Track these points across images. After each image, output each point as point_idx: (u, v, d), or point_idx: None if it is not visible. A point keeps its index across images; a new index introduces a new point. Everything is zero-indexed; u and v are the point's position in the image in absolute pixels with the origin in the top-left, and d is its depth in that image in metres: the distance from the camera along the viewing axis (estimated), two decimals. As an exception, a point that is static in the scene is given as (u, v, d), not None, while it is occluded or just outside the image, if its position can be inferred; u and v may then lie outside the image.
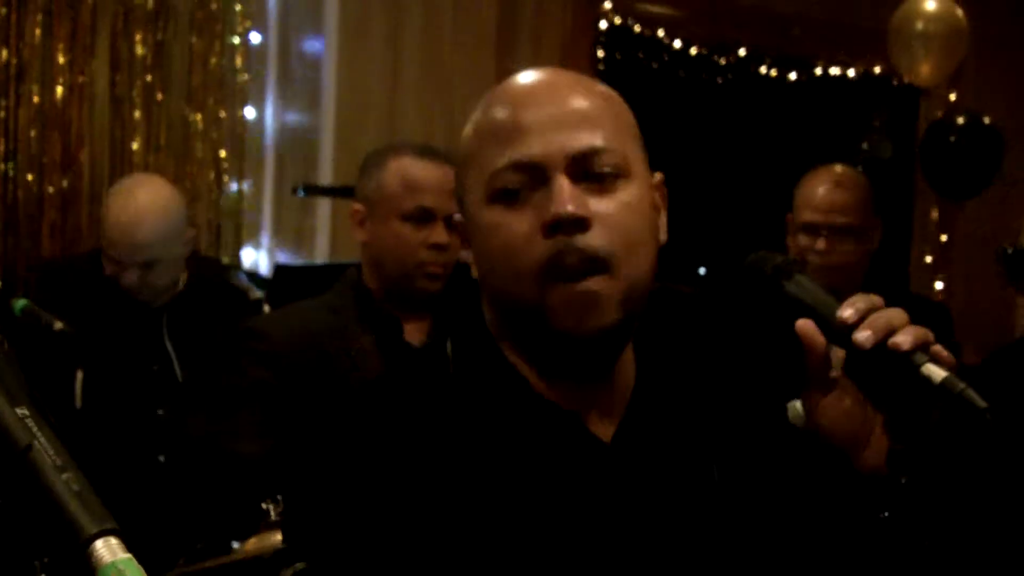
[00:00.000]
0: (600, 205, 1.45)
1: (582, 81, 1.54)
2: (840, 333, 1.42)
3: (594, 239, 1.43)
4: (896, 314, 1.42)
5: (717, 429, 1.58)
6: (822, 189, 3.65)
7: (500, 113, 1.49)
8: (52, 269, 4.12)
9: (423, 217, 2.97)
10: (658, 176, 1.57)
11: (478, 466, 1.44)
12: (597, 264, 1.43)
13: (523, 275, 1.44)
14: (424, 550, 1.39)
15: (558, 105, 1.49)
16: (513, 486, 1.44)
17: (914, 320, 1.41)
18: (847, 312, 1.42)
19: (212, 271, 4.07)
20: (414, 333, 3.01)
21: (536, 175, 1.45)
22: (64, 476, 0.88)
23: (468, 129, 1.54)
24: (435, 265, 2.99)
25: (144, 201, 3.62)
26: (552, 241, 1.43)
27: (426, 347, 1.55)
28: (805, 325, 1.45)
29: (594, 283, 1.43)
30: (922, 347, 1.39)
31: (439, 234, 2.98)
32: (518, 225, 1.45)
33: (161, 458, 3.59)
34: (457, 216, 1.55)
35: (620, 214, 1.46)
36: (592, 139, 1.47)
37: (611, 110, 1.52)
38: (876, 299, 1.44)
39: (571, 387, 1.50)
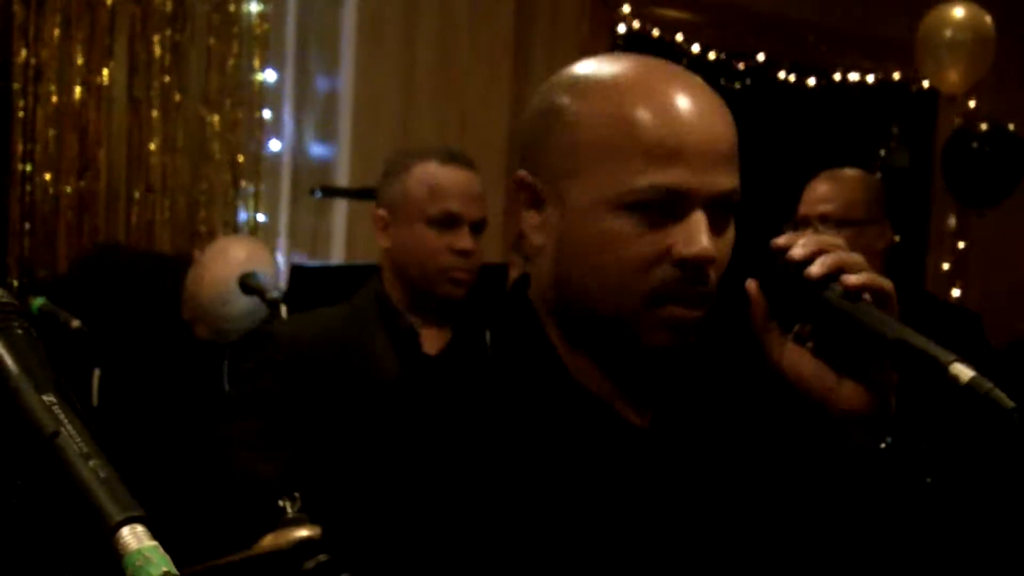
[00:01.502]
0: (719, 246, 1.46)
1: (722, 104, 1.51)
2: (879, 340, 1.41)
3: (711, 278, 1.45)
4: (851, 256, 1.43)
5: (744, 412, 1.59)
6: (812, 184, 3.68)
7: (657, 125, 1.44)
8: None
9: (449, 222, 2.95)
10: None
11: (517, 451, 1.45)
12: (707, 300, 1.46)
13: (631, 292, 1.44)
14: (464, 539, 1.40)
15: (715, 135, 1.46)
16: (552, 472, 1.45)
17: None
18: (796, 251, 1.44)
19: None
20: (434, 342, 3.00)
21: (678, 203, 1.43)
22: (91, 463, 0.88)
23: (592, 111, 1.47)
24: (460, 271, 2.97)
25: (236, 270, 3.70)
26: (674, 270, 1.43)
27: (461, 336, 1.55)
28: (751, 286, 1.46)
29: (697, 314, 1.46)
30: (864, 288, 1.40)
31: (464, 239, 2.96)
32: (645, 245, 1.43)
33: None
34: (525, 175, 1.51)
35: (726, 254, 1.49)
36: (732, 180, 1.47)
37: (736, 141, 1.51)
38: (827, 239, 1.45)
39: (611, 380, 1.51)
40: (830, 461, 1.48)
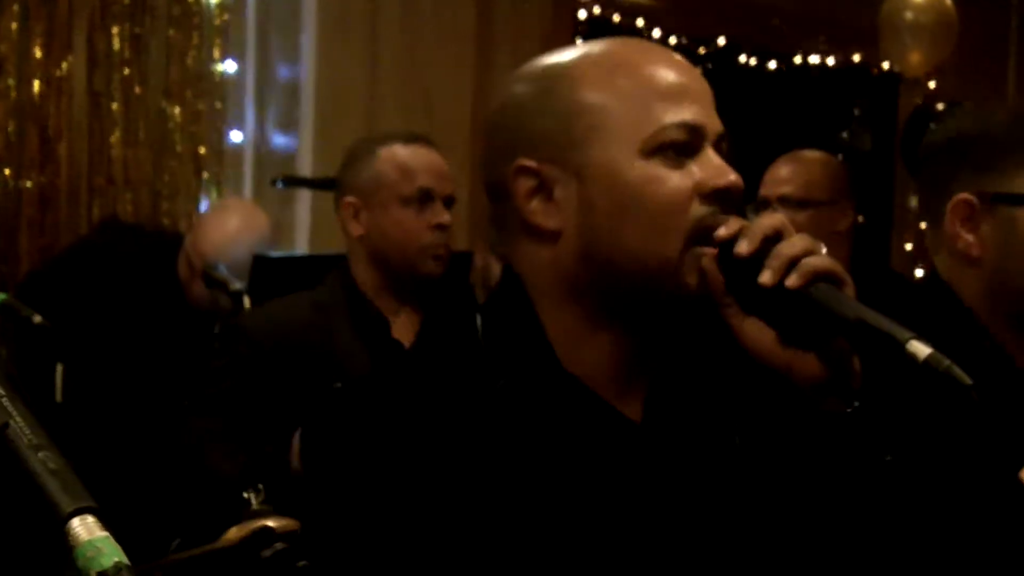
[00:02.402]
0: None
1: None
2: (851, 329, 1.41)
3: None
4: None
5: (733, 400, 1.59)
6: (773, 166, 3.70)
7: (663, 69, 1.50)
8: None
9: (424, 198, 2.97)
10: None
11: (508, 442, 1.44)
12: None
13: (673, 231, 1.45)
14: (452, 536, 1.39)
15: (705, 83, 1.53)
16: (544, 464, 1.44)
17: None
18: (722, 231, 1.45)
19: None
20: (404, 328, 3.00)
21: (696, 141, 1.48)
22: (41, 455, 0.87)
23: (589, 75, 1.50)
24: (440, 247, 2.98)
25: (241, 221, 3.83)
26: (707, 207, 1.46)
27: (451, 323, 1.53)
28: (707, 262, 1.46)
29: None
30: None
31: (442, 214, 2.98)
32: (676, 184, 1.46)
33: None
34: (526, 161, 1.50)
35: None
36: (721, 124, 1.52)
37: None
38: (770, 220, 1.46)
39: (607, 361, 1.51)
40: (799, 432, 1.49)
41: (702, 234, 1.45)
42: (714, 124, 1.50)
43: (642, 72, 1.49)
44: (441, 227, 2.98)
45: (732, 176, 1.47)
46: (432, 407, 1.45)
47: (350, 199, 3.03)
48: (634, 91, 1.48)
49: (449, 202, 3.03)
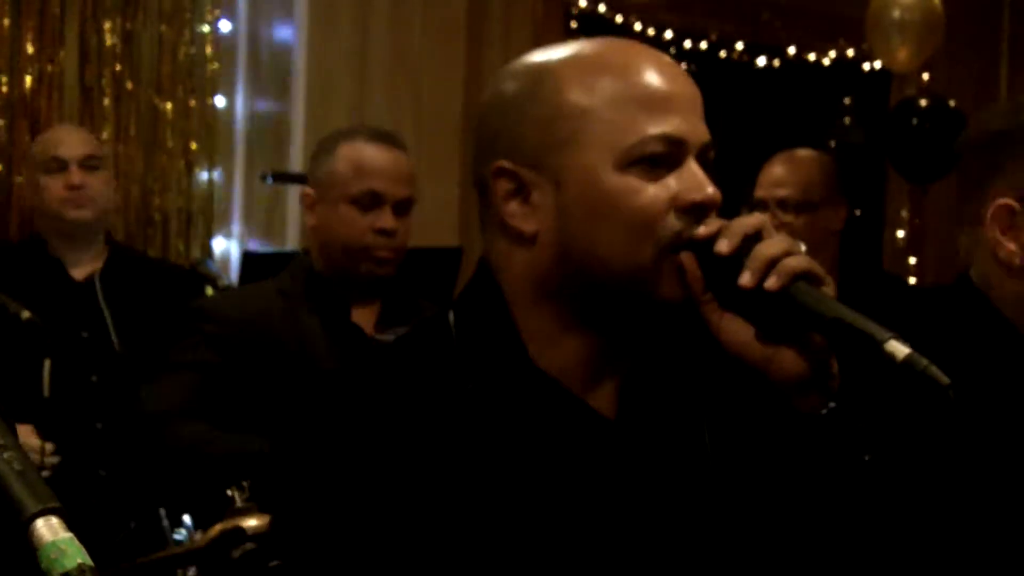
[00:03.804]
0: None
1: None
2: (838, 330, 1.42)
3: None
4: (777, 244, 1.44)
5: (705, 397, 1.59)
6: (768, 167, 3.69)
7: (646, 77, 1.49)
8: None
9: (371, 201, 2.98)
10: None
11: (480, 440, 1.45)
12: None
13: (646, 242, 1.45)
14: (427, 532, 1.40)
15: (692, 86, 1.52)
16: (517, 462, 1.45)
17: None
18: (701, 230, 1.46)
19: (133, 252, 4.37)
20: (363, 317, 3.03)
21: (677, 152, 1.48)
22: (5, 455, 0.87)
23: (572, 79, 1.49)
24: (382, 250, 3.00)
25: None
26: (684, 219, 1.46)
27: (429, 319, 1.54)
28: (687, 259, 1.46)
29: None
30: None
31: (386, 219, 2.98)
32: (652, 196, 1.46)
33: (98, 425, 3.68)
34: (506, 163, 1.50)
35: None
36: (707, 132, 1.51)
37: None
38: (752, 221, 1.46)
39: (579, 359, 1.51)
40: (776, 429, 1.49)
41: (676, 246, 1.46)
42: (698, 134, 1.49)
43: (628, 78, 1.48)
44: (384, 231, 2.98)
45: (709, 190, 1.47)
46: (405, 405, 1.45)
47: (308, 190, 3.08)
48: (618, 97, 1.47)
49: (402, 206, 3.03)
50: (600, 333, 1.51)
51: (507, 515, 1.42)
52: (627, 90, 1.47)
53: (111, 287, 3.86)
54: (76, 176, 3.87)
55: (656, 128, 1.46)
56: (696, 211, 1.46)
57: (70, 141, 4.01)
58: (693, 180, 1.47)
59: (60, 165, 3.89)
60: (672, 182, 1.47)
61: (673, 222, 1.46)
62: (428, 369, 1.50)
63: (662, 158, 1.46)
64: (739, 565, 1.52)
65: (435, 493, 1.41)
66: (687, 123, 1.48)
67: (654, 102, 1.47)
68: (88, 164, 3.92)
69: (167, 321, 3.29)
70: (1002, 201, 1.91)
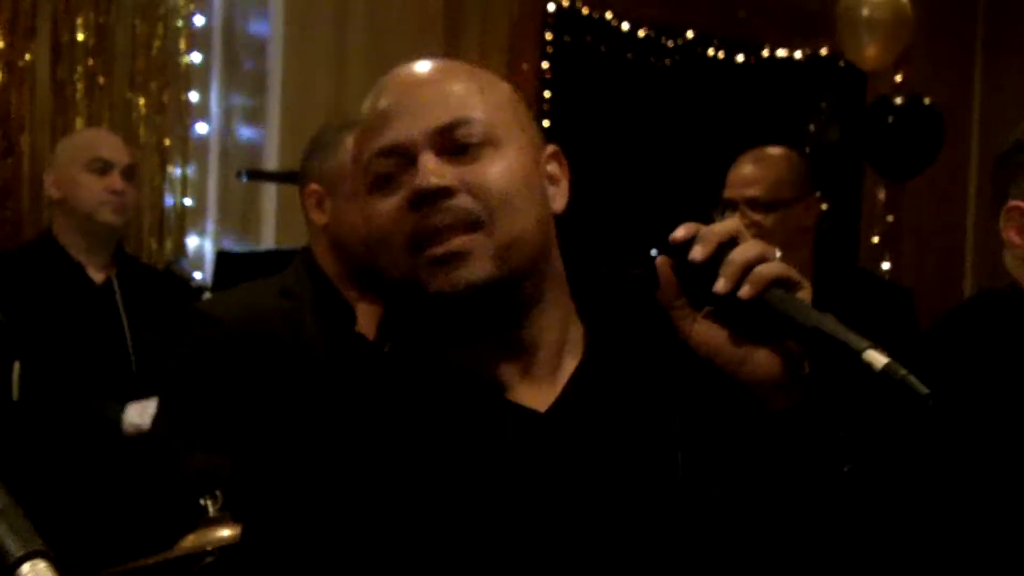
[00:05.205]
0: (467, 173, 1.51)
1: (447, 65, 1.62)
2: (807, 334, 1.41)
3: (460, 202, 1.49)
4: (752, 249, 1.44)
5: (669, 403, 1.58)
6: (737, 166, 3.68)
7: (366, 107, 1.58)
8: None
9: None
10: (551, 148, 1.62)
11: (407, 439, 1.49)
12: (462, 223, 1.49)
13: (395, 249, 1.50)
14: (350, 531, 1.43)
15: (418, 88, 1.56)
16: (441, 457, 1.47)
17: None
18: (679, 233, 1.47)
19: (137, 259, 4.43)
20: (369, 317, 2.98)
21: (405, 158, 1.51)
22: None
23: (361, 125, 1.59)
24: None
25: None
26: (419, 214, 1.49)
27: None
28: (662, 264, 1.48)
29: (459, 241, 1.49)
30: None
31: None
32: (389, 205, 1.51)
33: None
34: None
35: (489, 178, 1.51)
36: (452, 113, 1.53)
37: (475, 85, 1.57)
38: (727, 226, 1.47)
39: (491, 355, 1.54)
40: (747, 431, 1.49)
41: (418, 240, 1.49)
42: (424, 126, 1.51)
43: (361, 115, 1.58)
44: None
45: (419, 180, 1.49)
46: (343, 406, 1.53)
47: (314, 187, 2.99)
48: (358, 137, 1.58)
49: None
50: (476, 334, 1.54)
51: (426, 510, 1.45)
52: (361, 124, 1.58)
53: (126, 290, 3.94)
54: (119, 182, 3.99)
55: (370, 149, 1.54)
56: (420, 202, 1.49)
57: (115, 145, 4.13)
58: (416, 173, 1.51)
59: (105, 167, 4.00)
60: (402, 187, 1.51)
61: (410, 221, 1.49)
62: (365, 368, 1.59)
63: (394, 170, 1.52)
64: (692, 561, 1.50)
65: (360, 491, 1.45)
66: (404, 126, 1.52)
67: (369, 124, 1.56)
68: (130, 173, 4.05)
69: (170, 325, 3.30)
70: (1013, 203, 2.01)
